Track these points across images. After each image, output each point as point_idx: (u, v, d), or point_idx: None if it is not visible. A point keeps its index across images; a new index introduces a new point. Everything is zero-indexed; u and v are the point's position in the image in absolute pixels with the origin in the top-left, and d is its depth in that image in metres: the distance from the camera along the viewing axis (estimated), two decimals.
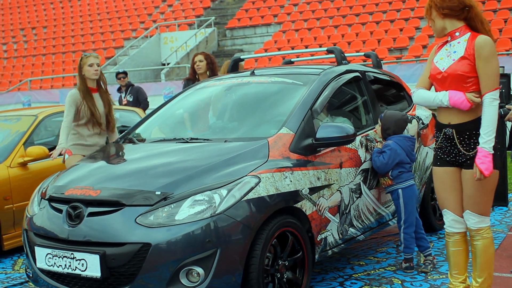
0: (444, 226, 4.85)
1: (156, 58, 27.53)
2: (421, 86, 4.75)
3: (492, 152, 4.34)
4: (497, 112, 4.38)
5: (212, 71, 8.75)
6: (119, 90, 13.46)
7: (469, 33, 4.49)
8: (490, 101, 4.35)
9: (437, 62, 4.59)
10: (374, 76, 6.82)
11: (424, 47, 20.56)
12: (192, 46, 26.12)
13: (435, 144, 4.76)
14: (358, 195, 5.79)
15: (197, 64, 8.80)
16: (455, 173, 4.64)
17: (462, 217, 4.69)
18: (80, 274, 4.59)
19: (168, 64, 26.14)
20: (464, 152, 4.52)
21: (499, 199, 8.60)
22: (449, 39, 4.57)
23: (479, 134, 4.40)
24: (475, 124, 4.46)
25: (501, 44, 18.45)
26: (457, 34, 4.52)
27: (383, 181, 6.07)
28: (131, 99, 12.97)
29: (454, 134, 4.53)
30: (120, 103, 13.05)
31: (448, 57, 4.52)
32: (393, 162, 5.89)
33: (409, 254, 6.00)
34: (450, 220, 4.74)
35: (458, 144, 4.52)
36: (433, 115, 7.18)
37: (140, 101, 12.90)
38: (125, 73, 13.25)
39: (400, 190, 5.97)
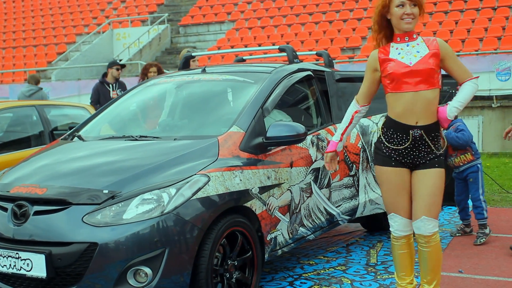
0: (391, 230, 4.78)
1: (109, 54, 27.18)
2: (360, 98, 4.82)
3: (451, 119, 4.54)
4: (472, 94, 4.57)
5: None
6: (105, 83, 12.99)
7: (420, 36, 4.59)
8: (472, 82, 4.56)
9: (403, 58, 4.50)
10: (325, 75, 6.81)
11: None
12: (145, 42, 25.94)
13: (390, 145, 4.58)
14: (308, 195, 5.78)
15: (152, 75, 9.26)
16: (406, 174, 4.60)
17: (411, 218, 4.64)
18: (25, 274, 4.50)
19: (120, 60, 25.88)
20: (435, 150, 4.53)
21: (449, 199, 8.68)
22: (406, 39, 4.56)
23: (439, 135, 4.54)
24: (437, 125, 4.54)
25: (469, 44, 18.55)
26: (414, 36, 4.57)
27: (463, 158, 6.93)
28: (120, 94, 12.64)
29: (424, 134, 4.49)
30: (108, 96, 12.69)
31: (410, 54, 4.50)
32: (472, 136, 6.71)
33: (483, 220, 6.82)
34: (400, 224, 4.67)
35: (430, 144, 4.52)
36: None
37: None
38: (124, 66, 12.84)
39: (479, 164, 6.95)
